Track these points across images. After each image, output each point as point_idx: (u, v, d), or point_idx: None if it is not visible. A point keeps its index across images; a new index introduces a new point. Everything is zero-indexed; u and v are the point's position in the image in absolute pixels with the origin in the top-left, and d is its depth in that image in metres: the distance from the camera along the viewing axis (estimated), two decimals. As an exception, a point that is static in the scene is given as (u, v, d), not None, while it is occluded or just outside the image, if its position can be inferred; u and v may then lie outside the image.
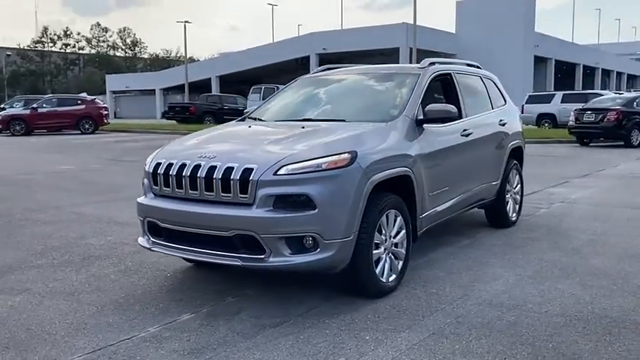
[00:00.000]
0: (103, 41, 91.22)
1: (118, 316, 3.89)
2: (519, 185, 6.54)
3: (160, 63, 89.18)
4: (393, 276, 4.23)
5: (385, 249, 4.14)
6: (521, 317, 3.76)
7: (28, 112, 24.41)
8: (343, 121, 4.70)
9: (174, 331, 3.62)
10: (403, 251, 4.34)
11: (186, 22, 54.35)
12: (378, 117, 4.65)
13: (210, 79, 58.66)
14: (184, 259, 4.55)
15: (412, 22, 35.68)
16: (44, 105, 25.10)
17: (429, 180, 4.62)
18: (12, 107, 26.94)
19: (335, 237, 3.70)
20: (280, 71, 53.72)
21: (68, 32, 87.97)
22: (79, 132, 24.77)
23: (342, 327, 3.64)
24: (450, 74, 5.50)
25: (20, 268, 5.04)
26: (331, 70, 5.87)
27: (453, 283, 4.46)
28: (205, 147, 4.19)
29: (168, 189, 4.04)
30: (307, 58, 50.54)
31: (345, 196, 3.73)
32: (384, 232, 4.11)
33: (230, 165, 3.76)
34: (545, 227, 6.34)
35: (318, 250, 3.69)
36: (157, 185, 4.13)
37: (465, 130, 5.26)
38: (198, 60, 79.55)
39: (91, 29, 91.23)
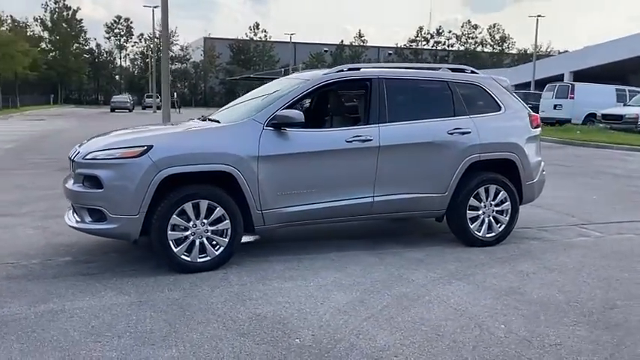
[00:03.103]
0: (472, 38, 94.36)
1: (40, 250, 5.59)
2: (507, 203, 5.87)
3: (528, 58, 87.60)
4: (207, 257, 4.91)
5: (194, 233, 4.86)
6: (196, 314, 4.14)
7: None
8: (218, 122, 5.46)
9: (39, 265, 5.12)
10: (225, 239, 4.95)
11: (538, 16, 52.92)
12: (239, 119, 5.27)
13: (563, 75, 55.45)
14: None
15: None
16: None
17: (277, 179, 5.03)
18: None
19: (119, 213, 4.70)
20: (647, 66, 47.16)
21: (440, 31, 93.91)
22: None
23: (90, 281, 4.66)
24: (370, 80, 5.54)
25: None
26: (293, 74, 6.44)
27: (263, 277, 4.85)
28: (100, 136, 5.55)
29: None
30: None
31: (129, 182, 4.67)
32: (192, 218, 4.84)
33: (78, 150, 5.10)
34: (524, 255, 5.62)
35: (107, 221, 4.75)
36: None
37: (358, 136, 5.30)
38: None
39: (462, 27, 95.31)
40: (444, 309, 4.13)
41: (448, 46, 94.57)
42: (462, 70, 6.14)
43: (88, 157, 4.85)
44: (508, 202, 5.88)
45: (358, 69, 5.70)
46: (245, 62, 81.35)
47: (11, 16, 69.83)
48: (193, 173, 4.83)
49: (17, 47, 43.45)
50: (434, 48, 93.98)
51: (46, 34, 77.10)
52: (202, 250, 4.91)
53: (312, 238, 6.09)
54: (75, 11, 79.13)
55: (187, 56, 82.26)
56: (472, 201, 5.75)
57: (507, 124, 5.93)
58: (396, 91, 5.61)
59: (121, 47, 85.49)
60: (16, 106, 52.21)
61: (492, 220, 5.87)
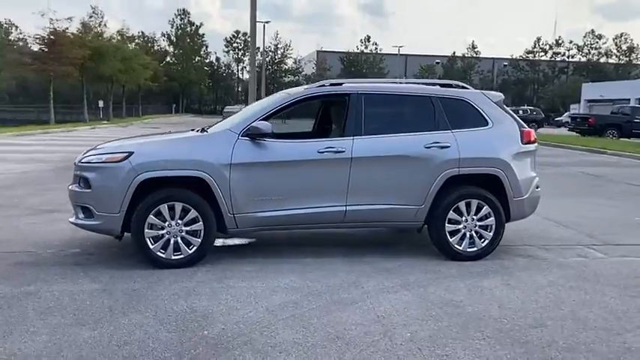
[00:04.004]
0: (595, 48, 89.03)
1: (61, 242, 6.37)
2: (491, 219, 5.83)
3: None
4: (181, 255, 5.39)
5: (169, 232, 5.37)
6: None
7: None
8: (206, 131, 5.94)
9: (49, 254, 5.87)
10: (198, 239, 5.41)
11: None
12: (221, 130, 5.72)
13: None
14: None
15: None
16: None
17: (248, 185, 5.42)
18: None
19: (103, 211, 5.32)
20: None
21: (560, 41, 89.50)
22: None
23: (78, 269, 5.31)
24: (349, 95, 5.78)
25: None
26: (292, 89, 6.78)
27: (226, 276, 5.24)
28: (106, 144, 6.21)
29: None
30: None
31: (112, 183, 5.27)
32: (168, 218, 5.35)
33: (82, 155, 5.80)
34: (499, 271, 5.54)
35: (94, 218, 5.39)
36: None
37: (330, 148, 5.55)
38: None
39: (584, 37, 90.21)
40: (366, 315, 4.29)
41: (568, 57, 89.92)
42: (451, 86, 6.18)
43: (83, 160, 5.51)
44: (492, 218, 5.82)
45: (340, 84, 5.95)
46: (355, 74, 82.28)
47: (142, 32, 75.90)
48: (169, 177, 5.33)
49: (139, 61, 47.20)
50: (552, 59, 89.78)
51: (171, 49, 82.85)
52: (177, 248, 5.38)
53: (306, 244, 6.40)
54: (197, 27, 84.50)
55: (300, 69, 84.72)
56: (452, 214, 5.77)
57: (493, 139, 5.88)
58: (375, 106, 5.79)
59: (238, 60, 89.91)
60: (139, 115, 56.64)
61: (475, 235, 5.84)
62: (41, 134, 26.90)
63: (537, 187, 6.14)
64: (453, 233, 5.81)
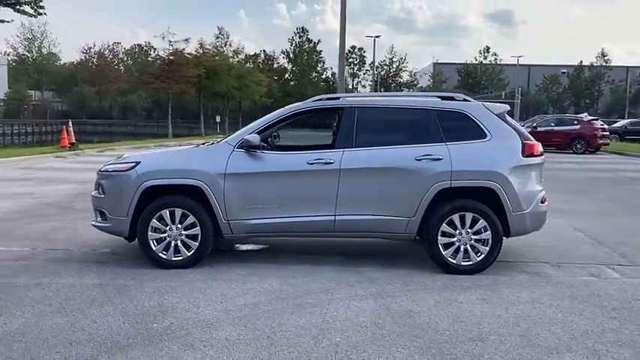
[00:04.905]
0: None
1: (98, 242, 7.10)
2: (487, 233, 5.74)
3: None
4: (180, 257, 5.87)
5: (169, 235, 5.88)
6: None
7: (528, 130, 26.79)
8: (213, 144, 6.39)
9: (80, 253, 6.62)
10: (196, 243, 5.87)
11: None
12: (222, 142, 6.15)
13: None
14: None
15: None
16: (543, 124, 27.14)
17: (241, 194, 5.79)
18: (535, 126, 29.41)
19: (113, 214, 5.94)
20: None
21: None
22: (572, 151, 25.51)
23: (92, 266, 5.93)
24: (342, 108, 5.99)
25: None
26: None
27: (211, 278, 5.63)
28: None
29: None
30: None
31: (120, 190, 5.88)
32: (169, 222, 5.87)
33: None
34: (487, 286, 5.45)
35: (107, 220, 6.03)
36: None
37: (320, 159, 5.77)
38: None
39: None
40: (312, 319, 4.45)
41: None
42: (452, 98, 6.16)
43: (102, 169, 6.17)
44: (488, 232, 5.72)
45: (337, 98, 6.16)
46: (473, 86, 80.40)
47: (264, 50, 79.49)
48: (170, 185, 5.83)
49: (252, 78, 49.52)
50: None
51: (289, 66, 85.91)
52: (177, 250, 5.85)
53: (309, 252, 6.64)
54: (315, 44, 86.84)
55: (415, 82, 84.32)
56: (445, 227, 5.74)
57: (490, 152, 5.77)
58: (368, 119, 5.93)
59: (354, 75, 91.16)
60: (255, 130, 59.19)
61: (470, 249, 5.76)
62: (154, 147, 29.16)
63: (542, 202, 5.92)
64: (447, 246, 5.77)
